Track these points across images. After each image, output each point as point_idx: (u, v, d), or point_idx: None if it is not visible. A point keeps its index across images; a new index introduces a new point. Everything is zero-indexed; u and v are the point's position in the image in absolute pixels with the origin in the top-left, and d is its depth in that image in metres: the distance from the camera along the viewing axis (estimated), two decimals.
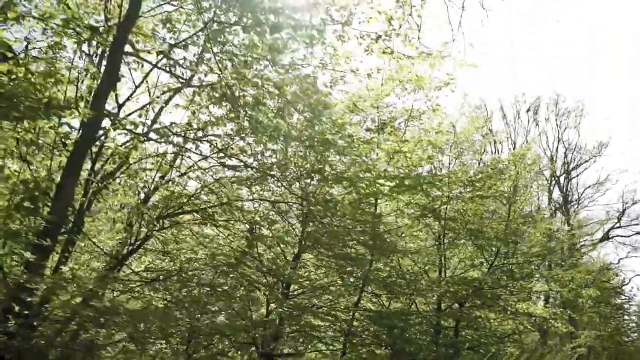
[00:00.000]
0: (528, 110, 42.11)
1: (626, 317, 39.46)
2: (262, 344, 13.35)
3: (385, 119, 13.36)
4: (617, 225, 40.30)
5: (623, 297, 38.69)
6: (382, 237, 12.79)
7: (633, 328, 40.63)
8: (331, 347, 13.16)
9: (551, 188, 40.20)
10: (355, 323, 13.13)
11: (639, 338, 42.71)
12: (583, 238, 37.81)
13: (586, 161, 41.06)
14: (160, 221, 7.61)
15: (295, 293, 13.89)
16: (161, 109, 7.55)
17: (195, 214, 8.57)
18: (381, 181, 9.84)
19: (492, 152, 31.49)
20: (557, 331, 16.92)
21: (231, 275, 10.12)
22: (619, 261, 40.13)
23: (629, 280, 40.99)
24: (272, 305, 13.45)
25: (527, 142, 40.20)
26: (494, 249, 14.42)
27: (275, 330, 13.36)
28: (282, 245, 13.32)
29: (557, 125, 41.90)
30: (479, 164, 16.08)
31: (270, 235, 10.84)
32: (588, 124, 45.54)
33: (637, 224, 39.64)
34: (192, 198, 8.02)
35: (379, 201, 13.65)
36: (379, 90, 12.78)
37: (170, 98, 7.55)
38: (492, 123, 31.44)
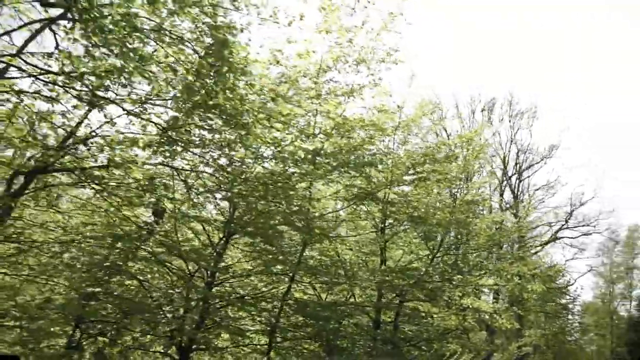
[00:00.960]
0: (483, 109, 42.16)
1: (570, 317, 40.17)
2: (181, 337, 11.98)
3: (324, 94, 12.20)
4: (565, 226, 40.81)
5: (568, 297, 39.31)
6: (314, 221, 11.65)
7: (576, 327, 41.46)
8: (256, 341, 11.86)
9: (503, 188, 40.34)
10: (283, 315, 11.90)
11: (582, 337, 43.74)
12: (533, 239, 38.05)
13: (537, 162, 41.40)
14: (17, 181, 6.15)
15: (219, 281, 12.56)
16: (30, 38, 6.07)
17: (73, 174, 7.14)
18: (299, 143, 8.64)
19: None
20: (501, 327, 16.25)
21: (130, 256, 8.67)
22: (565, 262, 40.64)
23: (575, 281, 41.67)
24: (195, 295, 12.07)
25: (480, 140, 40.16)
26: (438, 237, 13.47)
27: (196, 323, 12.02)
28: (207, 227, 11.99)
29: (510, 126, 42.11)
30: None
31: (182, 211, 9.44)
32: (541, 125, 46.30)
33: (583, 225, 40.26)
34: (64, 152, 6.55)
35: (314, 184, 12.49)
36: (317, 64, 11.66)
37: (42, 28, 6.12)
38: (444, 113, 30.80)
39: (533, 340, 34.24)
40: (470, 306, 15.60)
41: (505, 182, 41.65)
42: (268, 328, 11.69)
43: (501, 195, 39.41)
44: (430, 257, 13.95)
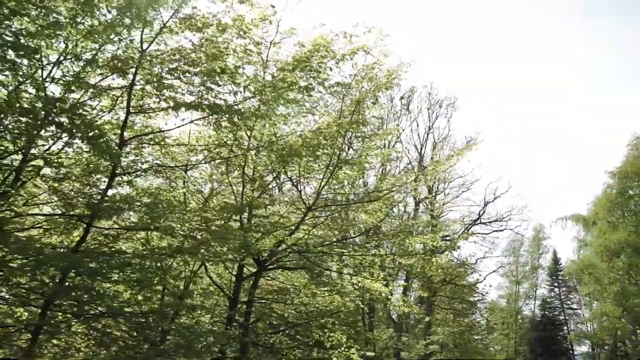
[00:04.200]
0: (402, 98, 40.30)
1: (477, 315, 39.04)
2: None
3: None
4: (478, 221, 39.53)
5: (476, 295, 38.06)
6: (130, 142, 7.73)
7: (483, 326, 40.49)
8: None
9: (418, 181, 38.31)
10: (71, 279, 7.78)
11: (487, 336, 42.93)
12: (446, 235, 36.35)
13: (454, 155, 39.82)
14: None
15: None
16: None
17: None
18: None
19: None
20: (398, 310, 13.09)
21: None
22: (476, 261, 39.35)
23: (484, 278, 40.44)
24: None
25: (398, 130, 38.21)
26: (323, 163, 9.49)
27: None
28: None
29: (428, 117, 40.35)
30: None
31: None
32: (459, 117, 45.05)
33: (495, 221, 39.13)
34: None
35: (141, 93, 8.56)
36: None
37: None
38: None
39: (440, 338, 32.39)
40: (362, 285, 12.32)
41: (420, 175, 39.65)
42: (42, 300, 7.54)
43: (415, 188, 37.35)
44: (304, 210, 10.09)
